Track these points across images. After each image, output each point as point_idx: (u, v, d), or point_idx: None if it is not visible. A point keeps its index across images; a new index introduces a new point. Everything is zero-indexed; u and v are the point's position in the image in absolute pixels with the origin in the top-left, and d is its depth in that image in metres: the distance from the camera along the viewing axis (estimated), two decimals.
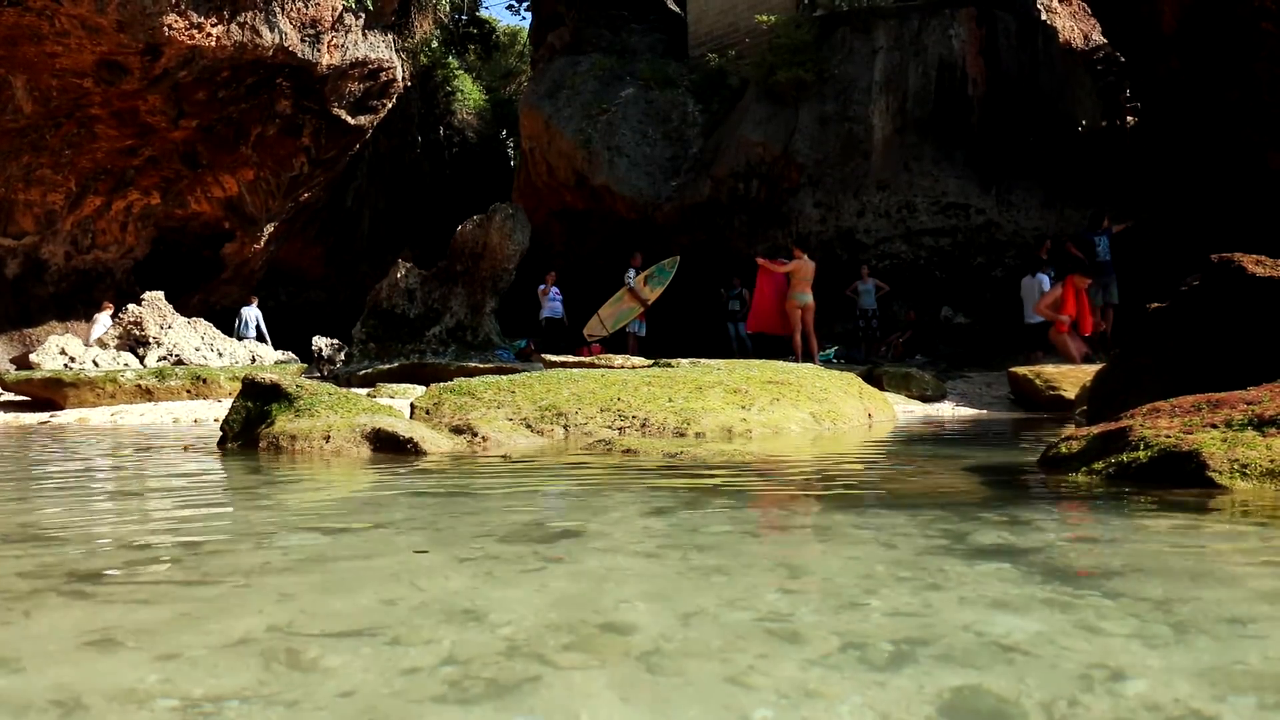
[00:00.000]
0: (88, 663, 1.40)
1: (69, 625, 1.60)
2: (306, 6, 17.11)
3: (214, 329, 14.57)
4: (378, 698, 1.24)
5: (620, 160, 17.78)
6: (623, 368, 8.28)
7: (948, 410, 8.87)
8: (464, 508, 2.92)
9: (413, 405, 5.88)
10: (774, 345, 13.89)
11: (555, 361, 10.83)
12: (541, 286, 16.26)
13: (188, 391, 10.37)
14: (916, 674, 1.28)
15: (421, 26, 21.74)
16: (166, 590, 1.88)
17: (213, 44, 15.85)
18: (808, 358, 12.53)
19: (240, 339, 17.11)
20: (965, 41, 16.50)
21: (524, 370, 8.84)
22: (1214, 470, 2.84)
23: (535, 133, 19.15)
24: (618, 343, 15.72)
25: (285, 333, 19.06)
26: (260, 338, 17.73)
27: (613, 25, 20.87)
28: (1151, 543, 2.20)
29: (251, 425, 5.20)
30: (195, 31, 15.46)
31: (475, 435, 5.02)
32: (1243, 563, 2.00)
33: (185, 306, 17.62)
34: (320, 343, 16.39)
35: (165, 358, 13.19)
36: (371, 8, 18.54)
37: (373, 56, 19.10)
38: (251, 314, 18.18)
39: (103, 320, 15.10)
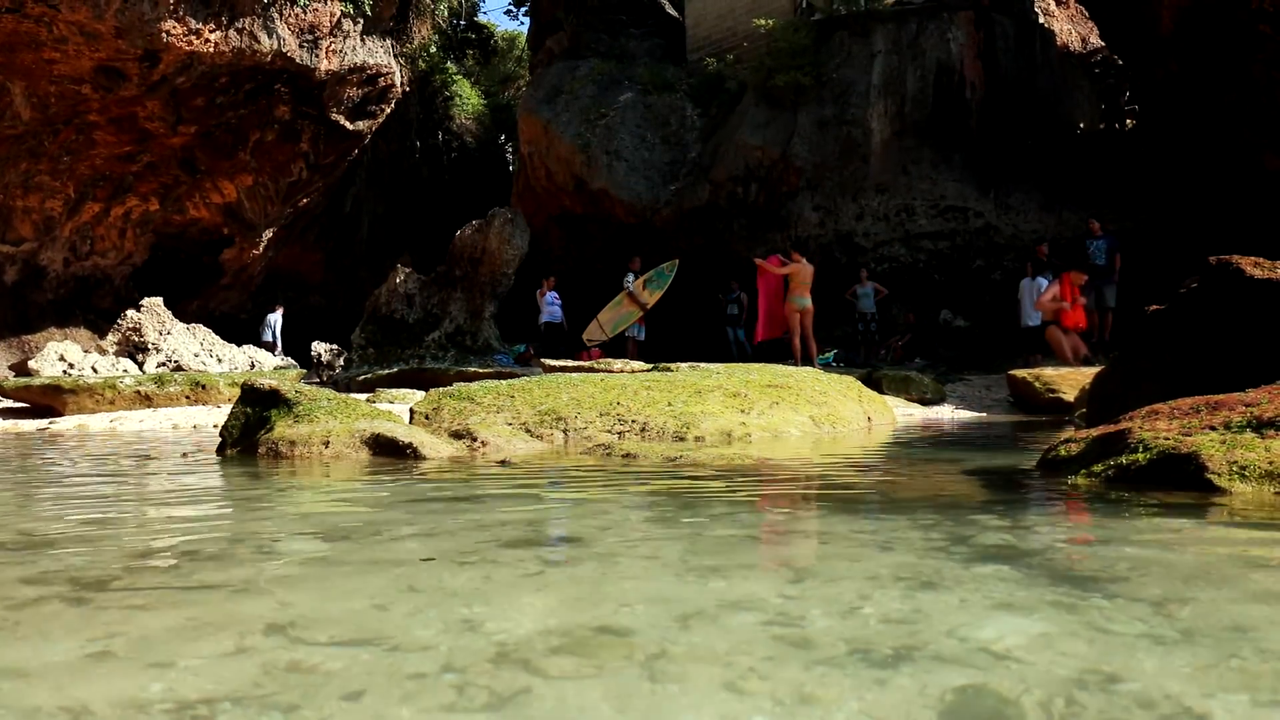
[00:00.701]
0: (88, 670, 1.40)
1: (70, 632, 1.60)
2: (305, 12, 17.13)
3: (213, 335, 14.58)
4: (377, 705, 1.24)
5: (619, 165, 17.79)
6: (622, 372, 8.28)
7: (947, 413, 8.87)
8: (464, 513, 2.91)
9: (412, 410, 5.88)
10: (773, 350, 13.89)
11: (554, 366, 10.82)
12: (540, 291, 16.26)
13: (187, 397, 10.37)
14: (917, 677, 1.28)
15: (420, 32, 21.74)
16: (166, 597, 1.88)
17: (211, 50, 15.86)
18: (807, 361, 12.54)
19: (266, 343, 17.58)
20: (963, 45, 16.52)
21: (523, 375, 8.84)
22: (1213, 472, 2.84)
23: (534, 137, 19.17)
24: (617, 347, 15.72)
25: (285, 338, 19.11)
26: (274, 341, 18.18)
27: (611, 30, 20.89)
28: (1151, 545, 2.20)
29: (250, 431, 5.19)
30: (193, 38, 15.47)
31: (474, 440, 5.02)
32: (1241, 565, 2.00)
33: (184, 312, 17.63)
34: (319, 348, 16.41)
35: (164, 364, 13.19)
36: (370, 13, 18.55)
37: (371, 62, 19.11)
38: (275, 318, 18.88)
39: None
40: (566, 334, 16.27)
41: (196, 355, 13.63)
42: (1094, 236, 13.35)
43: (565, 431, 5.39)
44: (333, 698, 1.26)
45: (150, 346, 13.39)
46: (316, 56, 17.69)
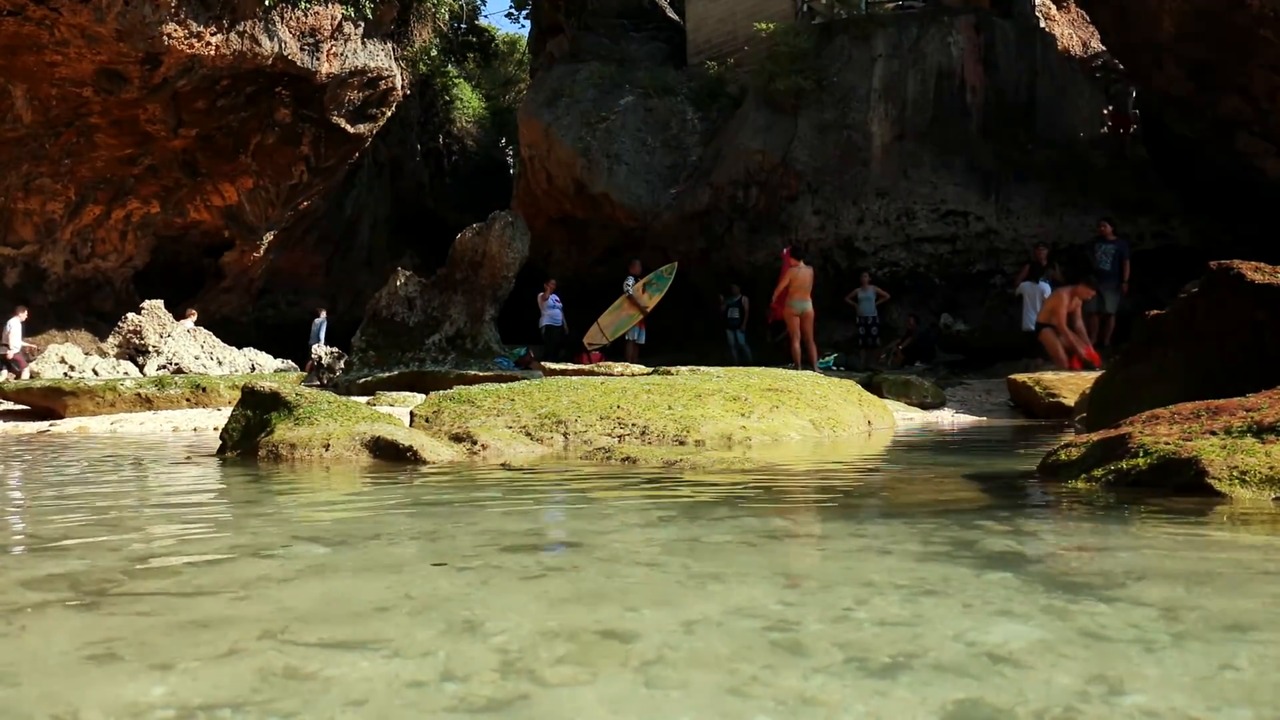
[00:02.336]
0: (87, 675, 1.39)
1: (69, 637, 1.60)
2: (306, 15, 17.16)
3: (213, 337, 14.58)
4: (377, 709, 1.23)
5: (619, 168, 17.80)
6: (622, 375, 8.28)
7: (947, 417, 8.86)
8: (464, 516, 2.91)
9: (412, 413, 5.88)
10: (774, 353, 13.88)
11: (555, 369, 10.82)
12: (541, 294, 16.26)
13: (187, 400, 10.36)
14: (916, 684, 1.28)
15: (420, 35, 21.78)
16: (166, 601, 1.88)
17: (212, 53, 15.88)
18: (807, 365, 12.53)
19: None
20: (964, 49, 16.53)
21: (523, 378, 8.84)
22: (1213, 477, 2.84)
23: (534, 141, 19.18)
24: (617, 350, 15.71)
25: (284, 341, 19.09)
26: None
27: (612, 33, 20.90)
28: (1151, 550, 2.20)
29: (251, 434, 5.19)
30: (194, 40, 15.50)
31: (475, 443, 5.02)
32: (1243, 571, 2.00)
33: (184, 315, 17.61)
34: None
35: (165, 366, 13.19)
36: (371, 16, 18.58)
37: (372, 65, 19.14)
38: (319, 323, 19.04)
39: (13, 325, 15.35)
40: (567, 337, 16.27)
41: (197, 358, 13.62)
42: (1105, 240, 13.27)
43: (565, 435, 5.39)
44: (332, 703, 1.25)
45: (151, 349, 13.39)
46: (317, 59, 17.71)
